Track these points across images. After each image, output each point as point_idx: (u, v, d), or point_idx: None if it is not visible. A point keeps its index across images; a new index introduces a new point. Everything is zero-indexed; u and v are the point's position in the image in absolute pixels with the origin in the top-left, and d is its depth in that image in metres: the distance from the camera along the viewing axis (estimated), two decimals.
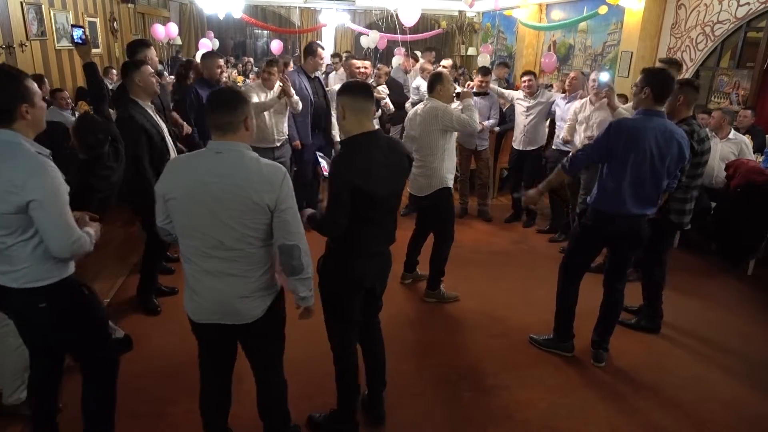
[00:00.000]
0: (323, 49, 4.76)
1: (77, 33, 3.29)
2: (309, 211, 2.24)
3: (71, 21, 7.23)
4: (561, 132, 4.78)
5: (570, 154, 2.96)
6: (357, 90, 2.10)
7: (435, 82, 3.54)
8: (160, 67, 7.76)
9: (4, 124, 1.75)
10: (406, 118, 3.74)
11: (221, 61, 4.35)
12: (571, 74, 4.92)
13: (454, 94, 3.66)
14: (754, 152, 4.79)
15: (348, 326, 2.29)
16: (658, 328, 3.40)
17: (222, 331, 1.95)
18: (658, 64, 3.69)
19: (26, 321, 1.99)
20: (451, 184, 3.62)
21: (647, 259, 3.34)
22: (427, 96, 3.62)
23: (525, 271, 4.36)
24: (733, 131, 4.70)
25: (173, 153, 3.35)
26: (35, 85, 1.82)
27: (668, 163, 2.69)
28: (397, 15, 7.35)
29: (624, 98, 5.16)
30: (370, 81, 5.23)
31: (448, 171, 3.58)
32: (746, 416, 2.69)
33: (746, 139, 4.75)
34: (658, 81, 2.67)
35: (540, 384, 2.87)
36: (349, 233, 2.09)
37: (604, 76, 4.20)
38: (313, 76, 4.75)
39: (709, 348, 3.29)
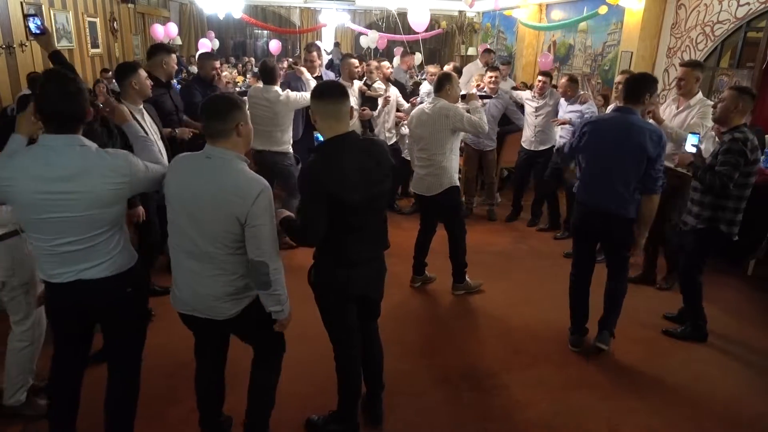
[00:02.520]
0: (312, 52, 4.88)
1: (34, 23, 3.03)
2: (284, 212, 2.13)
3: (71, 21, 7.24)
4: (560, 131, 4.91)
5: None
6: (323, 93, 2.04)
7: (444, 81, 3.56)
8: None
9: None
10: (411, 117, 3.73)
11: (216, 63, 4.40)
12: (562, 81, 4.94)
13: (460, 96, 3.68)
14: None
15: (347, 333, 2.27)
16: (704, 337, 3.34)
17: (204, 322, 2.02)
18: (681, 67, 3.72)
19: (109, 311, 2.00)
20: (458, 182, 3.69)
21: (686, 269, 3.31)
22: (434, 95, 3.63)
23: (525, 271, 4.36)
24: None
25: (164, 154, 3.24)
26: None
27: (624, 157, 2.77)
28: (396, 16, 7.33)
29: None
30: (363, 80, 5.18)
31: (454, 170, 3.65)
32: (746, 416, 2.69)
33: None
34: (626, 80, 3.01)
35: (540, 384, 2.87)
36: (332, 242, 2.06)
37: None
38: (315, 75, 4.75)
39: (709, 348, 3.29)
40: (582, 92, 4.97)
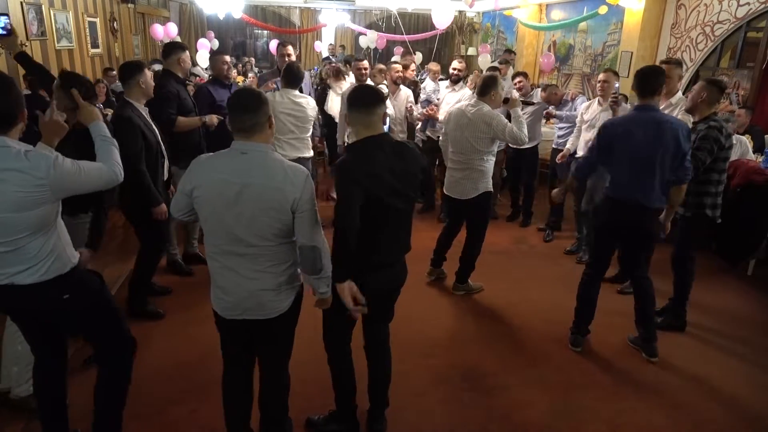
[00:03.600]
0: (286, 46, 4.77)
1: (1, 24, 2.87)
2: None
3: (71, 21, 7.23)
4: (558, 131, 4.96)
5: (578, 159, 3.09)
6: (352, 99, 2.06)
7: (490, 86, 3.46)
8: (159, 66, 7.80)
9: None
10: (449, 117, 3.66)
11: (226, 58, 4.35)
12: (542, 95, 5.00)
13: (502, 100, 3.62)
14: (754, 152, 4.79)
15: (345, 328, 2.26)
16: (684, 326, 3.42)
17: (247, 326, 2.00)
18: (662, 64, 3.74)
19: (42, 318, 1.99)
20: (491, 187, 3.68)
21: (680, 255, 3.35)
22: (476, 98, 3.54)
23: (525, 270, 4.36)
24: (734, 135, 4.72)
25: (165, 153, 3.30)
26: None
27: (663, 154, 2.79)
28: (398, 17, 7.36)
29: (624, 97, 5.17)
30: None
31: (491, 174, 3.64)
32: (746, 416, 2.69)
33: (745, 140, 4.75)
34: (637, 77, 2.89)
35: (540, 384, 2.88)
36: (365, 242, 2.03)
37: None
38: None
39: (708, 348, 3.29)
40: (568, 90, 5.00)
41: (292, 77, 3.97)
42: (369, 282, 2.10)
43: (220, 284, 1.96)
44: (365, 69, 4.90)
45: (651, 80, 2.83)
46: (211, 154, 1.92)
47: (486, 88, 3.46)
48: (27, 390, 2.42)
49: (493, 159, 3.66)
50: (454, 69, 5.26)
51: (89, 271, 2.10)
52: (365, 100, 2.03)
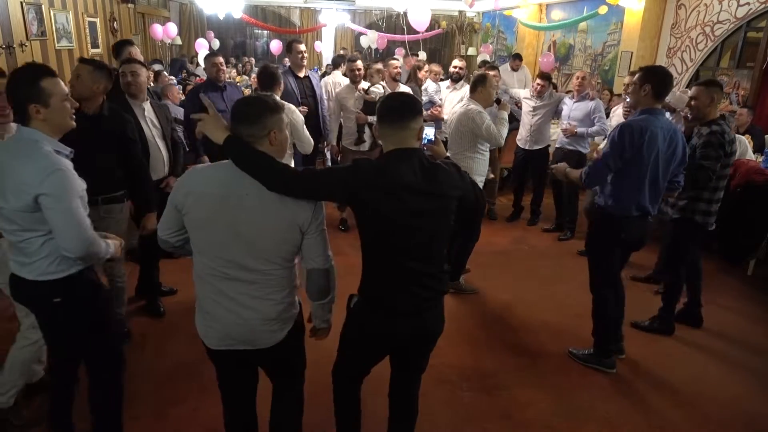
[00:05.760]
0: (301, 43, 4.72)
1: None
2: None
3: (71, 21, 7.24)
4: (562, 126, 4.90)
5: (585, 167, 2.84)
6: (382, 111, 1.76)
7: (478, 83, 3.60)
8: (159, 66, 7.81)
9: (22, 122, 1.79)
10: (450, 118, 3.78)
11: (217, 60, 4.19)
12: (578, 74, 4.90)
13: (494, 101, 3.71)
14: (754, 152, 4.79)
15: (351, 383, 2.05)
16: (672, 330, 3.38)
17: (240, 356, 1.79)
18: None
19: (41, 314, 2.01)
20: (477, 184, 3.65)
21: (673, 260, 3.31)
22: (467, 96, 3.69)
23: (525, 271, 4.36)
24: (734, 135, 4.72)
25: (164, 154, 3.26)
26: (57, 86, 1.80)
27: (676, 162, 2.73)
28: (405, 16, 7.31)
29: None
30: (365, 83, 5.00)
31: (477, 172, 3.62)
32: (746, 415, 2.69)
33: (745, 140, 4.75)
34: (658, 77, 2.64)
35: (540, 384, 2.88)
36: (376, 279, 1.79)
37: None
38: (302, 75, 4.63)
39: (708, 348, 3.29)
40: (588, 91, 4.94)
41: (265, 79, 3.40)
42: (378, 326, 1.84)
43: (208, 309, 1.73)
44: (358, 69, 4.72)
45: (670, 83, 2.71)
46: (210, 164, 1.73)
47: (474, 86, 3.62)
48: (7, 402, 2.33)
49: (481, 158, 3.67)
50: (455, 67, 5.25)
51: (96, 284, 2.02)
52: (398, 113, 1.71)
